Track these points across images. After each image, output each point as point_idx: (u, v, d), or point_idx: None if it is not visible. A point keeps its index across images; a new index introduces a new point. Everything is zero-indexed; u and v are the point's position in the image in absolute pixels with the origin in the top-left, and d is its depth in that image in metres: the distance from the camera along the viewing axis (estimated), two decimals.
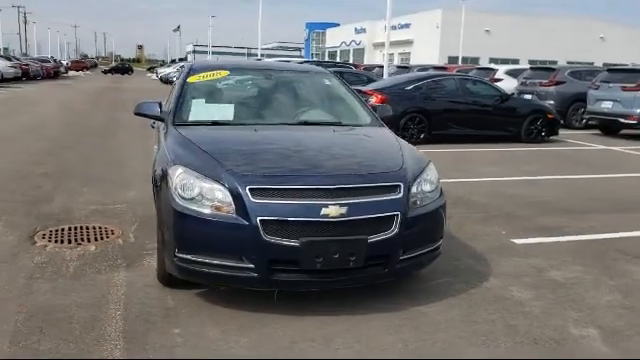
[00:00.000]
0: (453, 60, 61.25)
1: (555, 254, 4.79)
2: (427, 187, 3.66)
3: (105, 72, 66.51)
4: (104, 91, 29.78)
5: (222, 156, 3.56)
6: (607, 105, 14.19)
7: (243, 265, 3.25)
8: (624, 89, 13.77)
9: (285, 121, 4.47)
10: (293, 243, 3.18)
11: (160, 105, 4.58)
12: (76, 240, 4.99)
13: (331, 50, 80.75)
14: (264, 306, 3.52)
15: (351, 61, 59.88)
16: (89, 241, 4.94)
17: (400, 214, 3.38)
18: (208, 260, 3.30)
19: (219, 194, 3.30)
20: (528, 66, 20.01)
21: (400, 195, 3.43)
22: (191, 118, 4.37)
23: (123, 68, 67.71)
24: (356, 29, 75.03)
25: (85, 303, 3.56)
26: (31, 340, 3.07)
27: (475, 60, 58.88)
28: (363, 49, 72.69)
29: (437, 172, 3.89)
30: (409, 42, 66.52)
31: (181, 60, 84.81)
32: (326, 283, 3.39)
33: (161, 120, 4.50)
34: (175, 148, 3.79)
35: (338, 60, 66.40)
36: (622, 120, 13.76)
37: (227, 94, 4.83)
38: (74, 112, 17.10)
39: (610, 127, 14.67)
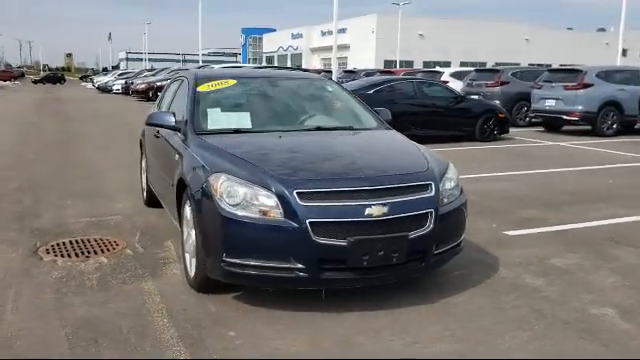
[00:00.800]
0: (389, 64, 62.65)
1: (547, 243, 5.15)
2: (451, 185, 3.90)
3: (35, 82, 63.76)
4: (43, 102, 28.74)
5: (260, 162, 3.67)
6: (551, 103, 15.05)
7: (292, 266, 3.38)
8: (566, 88, 14.65)
9: (300, 127, 4.60)
10: (341, 242, 3.34)
11: (174, 115, 4.60)
12: (82, 253, 4.94)
13: (269, 55, 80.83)
14: (304, 305, 3.65)
15: (289, 65, 60.21)
16: (96, 253, 4.90)
17: (434, 211, 3.61)
18: (257, 263, 3.41)
19: (265, 199, 3.42)
20: (472, 68, 20.87)
21: (432, 193, 3.66)
22: (211, 127, 4.44)
23: (55, 77, 65.13)
24: (293, 34, 75.49)
25: (127, 313, 3.59)
26: (91, 351, 3.09)
27: (410, 63, 60.50)
28: (301, 54, 73.24)
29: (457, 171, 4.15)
30: (346, 46, 67.41)
31: (114, 68, 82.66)
32: (370, 279, 3.57)
33: (176, 130, 4.54)
34: (208, 156, 3.86)
35: (276, 64, 66.54)
36: (565, 117, 14.64)
37: (238, 102, 4.90)
38: (23, 124, 16.49)
39: (553, 124, 15.57)
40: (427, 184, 3.68)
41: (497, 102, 15.45)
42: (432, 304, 3.75)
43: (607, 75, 14.83)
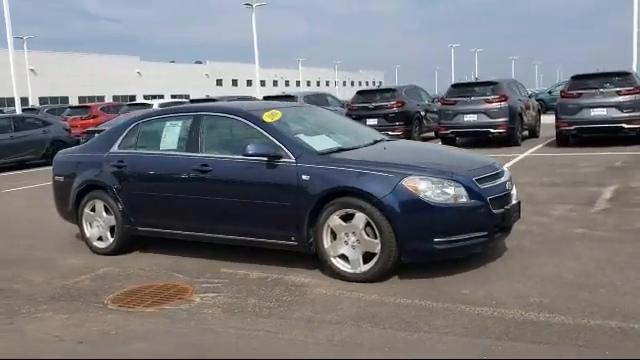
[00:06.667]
0: (2, 102, 56.90)
1: None
2: None
3: None
4: None
5: (422, 164, 4.65)
6: None
7: (479, 234, 4.52)
8: None
9: (367, 142, 5.40)
10: (500, 210, 4.65)
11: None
12: (161, 301, 4.56)
13: None
14: (449, 269, 4.66)
15: None
16: (171, 300, 4.57)
17: (515, 186, 5.24)
18: (458, 237, 4.43)
19: (452, 189, 4.44)
20: (186, 100, 21.86)
21: (509, 174, 5.25)
22: (318, 149, 4.88)
23: None
24: None
25: (386, 315, 3.96)
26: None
27: (25, 100, 56.02)
28: None
29: None
30: None
31: None
32: (508, 234, 4.98)
33: (277, 157, 4.79)
34: (374, 168, 4.54)
35: None
36: None
37: (304, 128, 5.33)
38: None
39: None
40: (503, 170, 5.23)
41: None
42: (530, 256, 5.14)
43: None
